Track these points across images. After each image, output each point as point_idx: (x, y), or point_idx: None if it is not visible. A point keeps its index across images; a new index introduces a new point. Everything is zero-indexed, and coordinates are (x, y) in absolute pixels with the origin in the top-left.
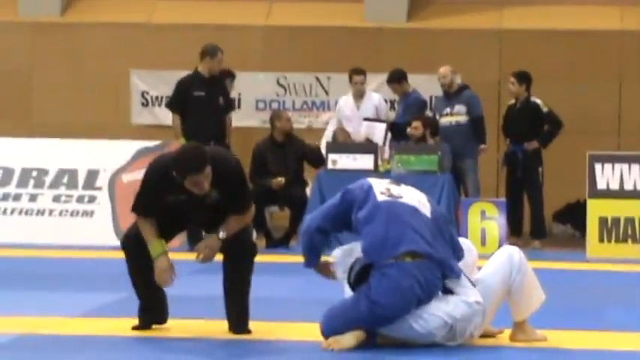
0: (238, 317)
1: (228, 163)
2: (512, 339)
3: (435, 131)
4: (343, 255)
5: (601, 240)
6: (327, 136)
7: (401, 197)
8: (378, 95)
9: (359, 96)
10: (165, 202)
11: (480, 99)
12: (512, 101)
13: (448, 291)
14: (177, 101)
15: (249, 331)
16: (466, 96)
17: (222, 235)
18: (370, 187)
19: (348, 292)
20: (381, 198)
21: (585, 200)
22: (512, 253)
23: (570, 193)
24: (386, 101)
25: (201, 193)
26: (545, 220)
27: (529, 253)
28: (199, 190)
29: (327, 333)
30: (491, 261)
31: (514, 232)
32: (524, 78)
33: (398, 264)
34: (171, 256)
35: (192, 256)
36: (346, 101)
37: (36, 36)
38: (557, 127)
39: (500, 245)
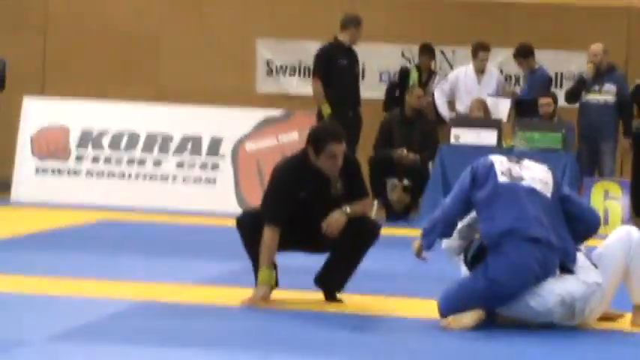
0: (337, 286)
1: (350, 153)
2: (633, 324)
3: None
4: (455, 238)
5: None
6: (442, 108)
7: (522, 179)
8: (497, 70)
9: (481, 71)
10: (296, 201)
11: (626, 79)
12: None
13: (567, 270)
14: (321, 68)
15: (339, 300)
16: (617, 75)
17: (348, 210)
18: (492, 166)
19: (464, 272)
20: (502, 179)
21: None
22: (631, 231)
23: None
24: (509, 77)
25: (334, 172)
26: None
27: None
28: (335, 166)
29: (445, 312)
30: (610, 239)
31: (638, 213)
32: None
33: (516, 243)
34: None
35: None
36: (466, 74)
37: (165, 2)
38: None
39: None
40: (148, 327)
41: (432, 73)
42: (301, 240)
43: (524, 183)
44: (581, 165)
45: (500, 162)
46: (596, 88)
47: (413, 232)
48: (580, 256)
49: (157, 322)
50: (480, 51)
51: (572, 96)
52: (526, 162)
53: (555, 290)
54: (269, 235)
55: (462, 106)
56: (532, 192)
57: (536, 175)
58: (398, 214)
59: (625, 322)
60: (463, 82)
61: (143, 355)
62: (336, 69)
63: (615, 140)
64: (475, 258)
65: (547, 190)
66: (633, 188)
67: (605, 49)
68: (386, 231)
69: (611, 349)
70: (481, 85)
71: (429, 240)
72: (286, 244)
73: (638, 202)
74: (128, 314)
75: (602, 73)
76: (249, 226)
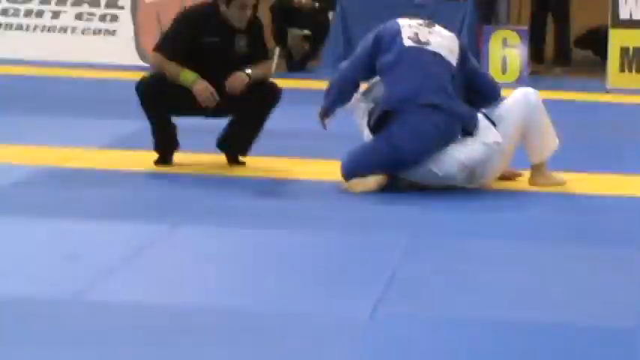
0: (240, 150)
1: (256, 14)
2: (531, 183)
3: None
4: (362, 99)
5: (622, 70)
6: None
7: (428, 44)
8: None
9: None
10: (197, 46)
11: None
12: None
13: (467, 133)
14: None
15: (242, 163)
16: None
17: (249, 71)
18: (399, 31)
19: (367, 136)
20: (407, 43)
21: (607, 26)
22: (529, 93)
23: (592, 19)
24: None
25: (242, 24)
26: (569, 46)
27: (550, 81)
28: (243, 16)
29: (348, 175)
30: (508, 101)
31: (535, 60)
32: None
33: (418, 110)
34: None
35: None
36: None
37: None
38: None
39: (520, 73)
40: (51, 196)
41: None
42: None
43: (430, 47)
44: (478, 11)
45: (408, 26)
46: None
47: (314, 84)
48: (479, 117)
49: (59, 191)
50: None
51: None
52: (437, 27)
53: (456, 155)
54: (157, 56)
55: None
56: (437, 57)
57: (444, 42)
58: (299, 64)
59: (523, 181)
60: None
61: (43, 225)
62: None
63: None
64: (378, 122)
65: (453, 57)
66: (532, 34)
67: None
68: (287, 82)
69: (509, 204)
70: None
71: (325, 105)
72: (187, 107)
73: (538, 48)
74: (30, 182)
75: None
76: (150, 89)
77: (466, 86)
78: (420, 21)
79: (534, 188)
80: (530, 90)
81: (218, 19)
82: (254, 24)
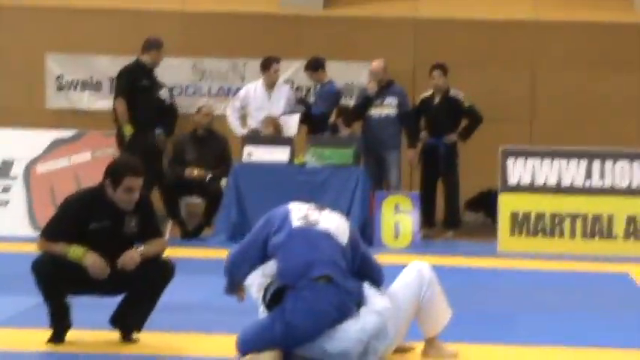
0: (134, 326)
1: (145, 192)
2: (424, 355)
3: (350, 122)
4: (258, 275)
5: (512, 234)
6: (234, 125)
7: (317, 223)
8: (287, 85)
9: (271, 85)
10: (85, 230)
11: (406, 93)
12: (429, 93)
13: (358, 307)
14: (125, 89)
15: (136, 340)
16: (397, 89)
17: (141, 249)
18: (288, 214)
19: (262, 312)
20: (296, 224)
21: (497, 189)
22: (422, 268)
23: (482, 181)
24: (300, 89)
25: (129, 206)
26: (459, 210)
27: (442, 245)
28: (130, 199)
29: (243, 352)
30: (401, 277)
31: (427, 224)
32: (446, 70)
33: (312, 286)
34: None
35: None
36: (256, 90)
37: None
38: (478, 123)
39: (413, 239)
40: None
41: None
42: (94, 283)
43: (319, 227)
44: (369, 178)
45: (297, 209)
46: (378, 102)
47: (208, 252)
48: (365, 286)
49: None
50: (274, 63)
51: (357, 114)
52: (327, 211)
53: (350, 331)
54: (43, 242)
55: (254, 123)
56: (327, 235)
57: (333, 222)
58: (192, 233)
59: (416, 355)
60: (253, 98)
61: None
62: (138, 90)
63: (399, 151)
64: (273, 298)
65: (343, 237)
66: (424, 199)
67: (385, 65)
68: (181, 251)
69: None
70: (271, 101)
71: (227, 285)
72: (79, 287)
73: (429, 213)
74: None
75: (383, 88)
76: (46, 269)
77: (356, 271)
78: (311, 205)
79: None
80: (422, 265)
81: (105, 202)
82: (142, 202)
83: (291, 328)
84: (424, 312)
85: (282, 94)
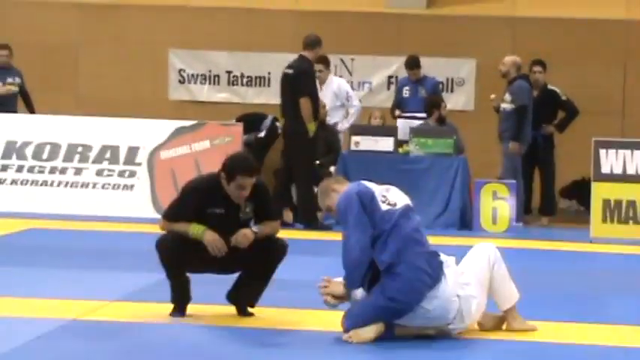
0: (248, 302)
1: (261, 179)
2: (508, 326)
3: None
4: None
5: (604, 220)
6: None
7: (396, 204)
8: (339, 80)
9: (321, 82)
10: (203, 215)
11: (526, 89)
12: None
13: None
14: (313, 89)
15: (251, 314)
16: (515, 86)
17: (255, 229)
18: (373, 194)
19: (360, 292)
20: (384, 207)
21: (590, 177)
22: (488, 247)
23: (576, 170)
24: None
25: (240, 201)
26: (554, 198)
27: (537, 230)
28: (241, 196)
29: (348, 327)
30: (470, 254)
31: (525, 211)
32: (545, 65)
33: (406, 263)
34: None
35: None
36: None
37: (83, 15)
38: (574, 115)
39: (509, 224)
40: (73, 349)
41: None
42: (213, 261)
43: (398, 207)
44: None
45: (379, 192)
46: (504, 97)
47: (318, 235)
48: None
49: (81, 344)
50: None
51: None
52: (392, 190)
53: (446, 290)
54: (165, 223)
55: None
56: (407, 211)
57: (404, 200)
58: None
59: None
60: None
61: None
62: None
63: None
64: (372, 279)
65: (414, 212)
66: (525, 189)
67: (513, 61)
68: (293, 233)
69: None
70: (322, 94)
71: (356, 282)
72: (198, 265)
73: (526, 200)
74: (52, 335)
75: (508, 84)
76: (169, 246)
77: None
78: (376, 185)
79: (506, 337)
80: (488, 244)
81: (221, 190)
82: (258, 189)
83: (394, 302)
84: (497, 283)
85: (330, 88)
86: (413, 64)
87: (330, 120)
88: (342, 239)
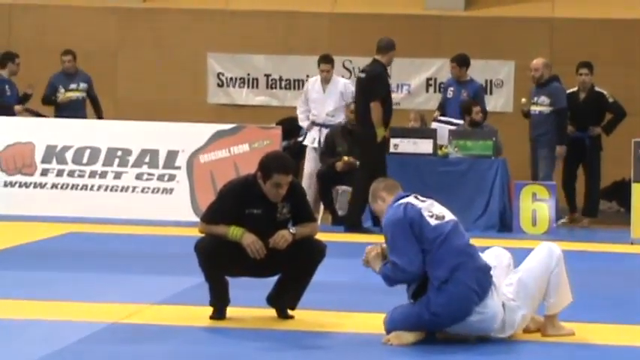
0: (288, 305)
1: (297, 179)
2: (543, 333)
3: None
4: None
5: None
6: (299, 117)
7: (443, 217)
8: (344, 81)
9: (326, 81)
10: (241, 216)
11: (562, 90)
12: (574, 89)
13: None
14: (383, 93)
15: (291, 317)
16: (552, 88)
17: (293, 230)
18: (420, 213)
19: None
20: (433, 222)
21: (630, 178)
22: (553, 246)
23: (616, 171)
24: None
25: (277, 199)
26: (598, 200)
27: (577, 231)
28: (278, 194)
29: (389, 330)
30: (533, 253)
31: (569, 211)
32: (592, 68)
33: (456, 279)
34: None
35: None
36: (314, 84)
37: (121, 20)
38: (622, 117)
39: (549, 225)
40: (115, 352)
41: None
42: (251, 264)
43: (446, 220)
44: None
45: (425, 208)
46: (535, 100)
47: (356, 237)
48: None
49: (122, 347)
50: (320, 63)
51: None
52: (436, 204)
53: (493, 304)
54: (204, 225)
55: (314, 113)
56: (456, 226)
57: (449, 213)
58: (342, 219)
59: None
60: (311, 92)
61: None
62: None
63: (550, 147)
64: (417, 289)
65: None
66: (566, 188)
67: (544, 63)
68: (332, 236)
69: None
70: (326, 94)
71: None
72: (237, 269)
73: (571, 200)
74: (93, 339)
75: (540, 86)
76: (208, 250)
77: None
78: (422, 198)
79: (543, 340)
80: (553, 244)
81: (258, 191)
82: (293, 189)
83: (438, 317)
84: (552, 286)
85: (337, 88)
86: (462, 61)
87: (335, 120)
88: (390, 260)
